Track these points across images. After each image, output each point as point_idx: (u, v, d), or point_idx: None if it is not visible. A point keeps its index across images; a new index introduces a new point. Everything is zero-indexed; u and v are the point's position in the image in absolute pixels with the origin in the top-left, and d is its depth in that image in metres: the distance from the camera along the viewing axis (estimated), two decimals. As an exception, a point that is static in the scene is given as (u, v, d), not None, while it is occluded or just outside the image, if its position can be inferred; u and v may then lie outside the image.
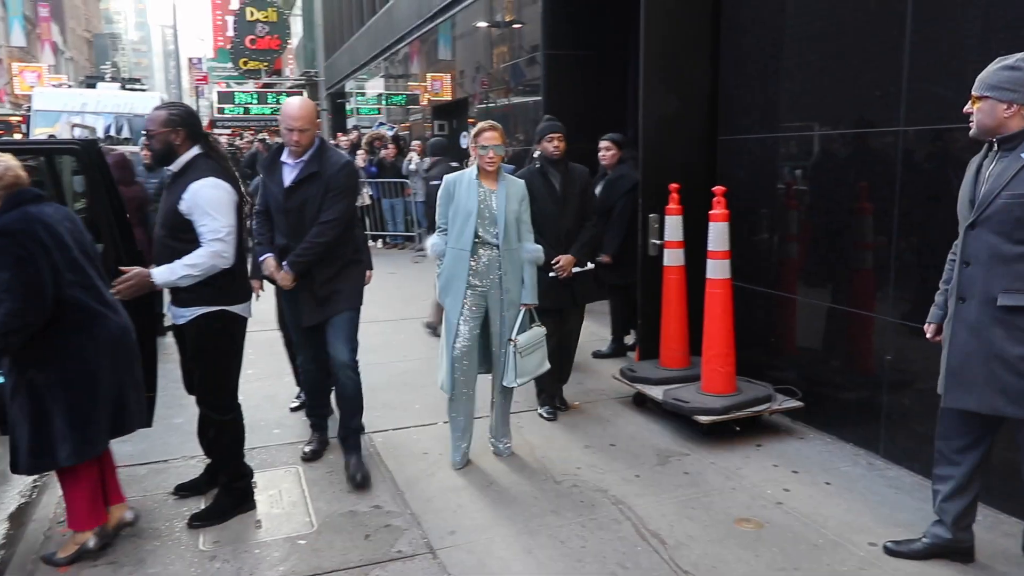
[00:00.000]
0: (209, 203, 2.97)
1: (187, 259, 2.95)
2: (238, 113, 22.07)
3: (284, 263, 3.47)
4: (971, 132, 2.58)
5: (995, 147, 2.54)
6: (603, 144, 5.40)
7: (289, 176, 3.47)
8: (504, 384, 3.75)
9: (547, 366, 3.86)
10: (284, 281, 3.47)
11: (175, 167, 3.08)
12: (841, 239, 4.02)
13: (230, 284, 3.11)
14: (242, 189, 3.16)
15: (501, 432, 3.93)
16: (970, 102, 2.55)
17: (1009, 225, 2.44)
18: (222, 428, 3.26)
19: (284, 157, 3.50)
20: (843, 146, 4.04)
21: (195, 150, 3.09)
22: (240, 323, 3.21)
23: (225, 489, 3.30)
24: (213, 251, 2.96)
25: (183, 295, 3.07)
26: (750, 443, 4.04)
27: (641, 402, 4.59)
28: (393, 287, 8.19)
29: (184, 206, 2.97)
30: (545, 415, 4.45)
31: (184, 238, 2.99)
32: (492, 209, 3.63)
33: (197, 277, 2.97)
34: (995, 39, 3.19)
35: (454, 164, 6.75)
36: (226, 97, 21.82)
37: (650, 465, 3.81)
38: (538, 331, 3.78)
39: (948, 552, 2.85)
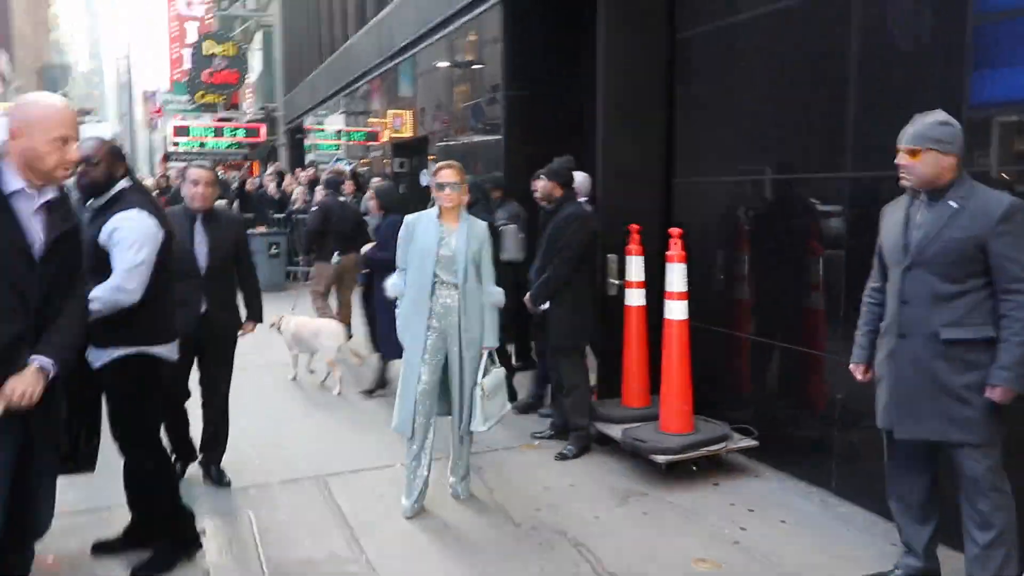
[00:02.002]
0: (128, 235, 2.84)
1: (92, 292, 2.76)
2: (193, 147, 21.82)
3: (45, 361, 2.30)
4: (908, 183, 2.73)
5: (922, 196, 2.71)
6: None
7: (39, 221, 2.31)
8: (472, 429, 3.71)
9: (508, 407, 3.85)
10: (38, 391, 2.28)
11: (101, 200, 2.96)
12: (793, 280, 4.13)
13: (151, 323, 2.95)
14: (170, 225, 3.05)
15: (460, 475, 3.89)
16: (904, 154, 2.68)
17: (946, 266, 2.62)
18: (151, 474, 3.09)
19: (11, 187, 2.26)
20: (793, 190, 4.18)
21: (124, 183, 2.98)
22: (162, 366, 3.04)
23: (166, 536, 3.15)
24: (115, 285, 2.79)
25: (100, 335, 2.89)
26: (708, 482, 4.07)
27: (602, 441, 4.59)
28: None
29: (104, 237, 2.86)
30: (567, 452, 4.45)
31: (104, 271, 2.85)
32: (451, 248, 3.62)
33: (100, 312, 2.77)
34: (930, 91, 3.36)
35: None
36: (182, 131, 21.57)
37: (609, 505, 3.80)
38: (499, 373, 3.78)
39: None
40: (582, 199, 5.65)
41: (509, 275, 5.46)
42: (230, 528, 3.54)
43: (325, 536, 3.46)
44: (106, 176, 2.96)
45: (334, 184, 7.51)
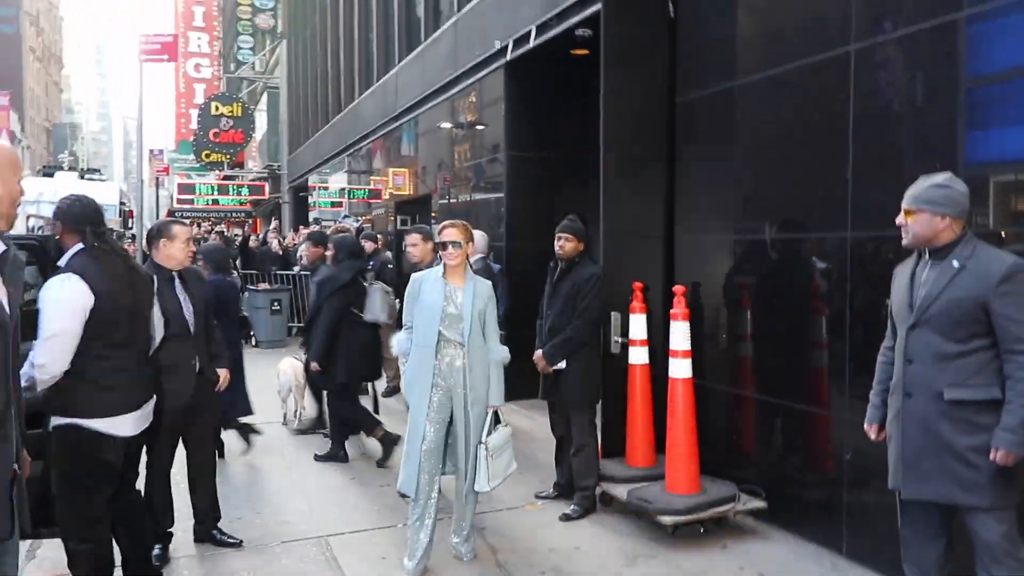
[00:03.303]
0: (46, 304, 2.66)
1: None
2: (198, 204, 22.09)
3: None
4: (906, 242, 2.79)
5: (926, 256, 2.75)
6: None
7: None
8: (476, 489, 3.65)
9: (514, 466, 3.79)
10: None
11: (62, 262, 2.84)
12: (796, 339, 4.13)
13: (88, 395, 2.75)
14: (119, 288, 2.82)
15: (464, 535, 3.82)
16: (903, 214, 2.75)
17: (949, 326, 2.62)
18: (73, 557, 2.86)
19: None
20: (794, 249, 4.22)
21: (78, 246, 2.83)
22: (104, 442, 2.78)
23: None
24: (30, 360, 2.61)
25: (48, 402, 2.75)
26: (716, 544, 4.00)
27: (607, 501, 4.53)
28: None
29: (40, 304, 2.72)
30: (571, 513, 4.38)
31: None
32: (458, 306, 3.64)
33: (26, 386, 2.54)
34: (926, 153, 3.44)
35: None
36: (187, 188, 21.91)
37: (616, 568, 3.72)
38: (505, 431, 3.74)
39: None
40: (479, 255, 6.06)
41: (366, 336, 5.44)
42: (229, 591, 3.46)
43: (326, 600, 3.38)
44: (62, 240, 2.87)
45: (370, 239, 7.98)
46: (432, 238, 5.15)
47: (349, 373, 5.39)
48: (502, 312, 6.14)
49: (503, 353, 3.76)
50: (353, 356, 5.36)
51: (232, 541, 3.96)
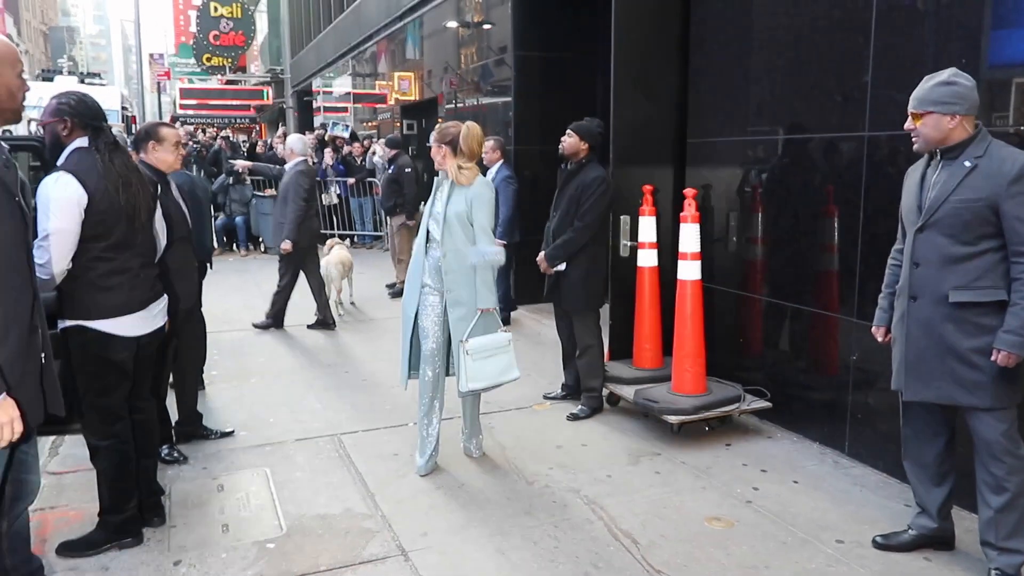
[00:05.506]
0: (43, 201, 2.60)
1: None
2: (201, 109, 21.71)
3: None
4: (916, 147, 2.73)
5: (938, 156, 2.68)
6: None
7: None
8: (460, 389, 3.58)
9: (515, 374, 3.66)
10: None
11: (60, 160, 2.74)
12: (807, 241, 4.09)
13: (90, 296, 2.75)
14: (123, 189, 2.75)
15: (471, 433, 3.92)
16: (910, 119, 2.66)
17: (958, 228, 2.59)
18: (95, 453, 2.94)
19: None
20: (809, 150, 4.11)
21: (79, 142, 2.75)
22: (111, 342, 2.80)
23: (100, 521, 2.98)
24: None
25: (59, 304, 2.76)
26: (720, 442, 4.09)
27: (614, 401, 4.61)
28: (357, 286, 8.11)
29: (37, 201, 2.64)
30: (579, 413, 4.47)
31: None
32: (443, 206, 3.59)
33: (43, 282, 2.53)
34: (953, 48, 3.28)
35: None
36: (189, 93, 21.48)
37: (622, 465, 3.83)
38: (501, 336, 3.61)
39: (933, 542, 2.94)
40: (299, 158, 6.45)
41: None
42: (247, 484, 3.59)
43: (341, 492, 3.51)
44: (52, 138, 2.79)
45: (396, 142, 8.27)
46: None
47: None
48: (503, 217, 6.10)
49: (482, 253, 3.51)
50: None
51: (223, 432, 4.16)
